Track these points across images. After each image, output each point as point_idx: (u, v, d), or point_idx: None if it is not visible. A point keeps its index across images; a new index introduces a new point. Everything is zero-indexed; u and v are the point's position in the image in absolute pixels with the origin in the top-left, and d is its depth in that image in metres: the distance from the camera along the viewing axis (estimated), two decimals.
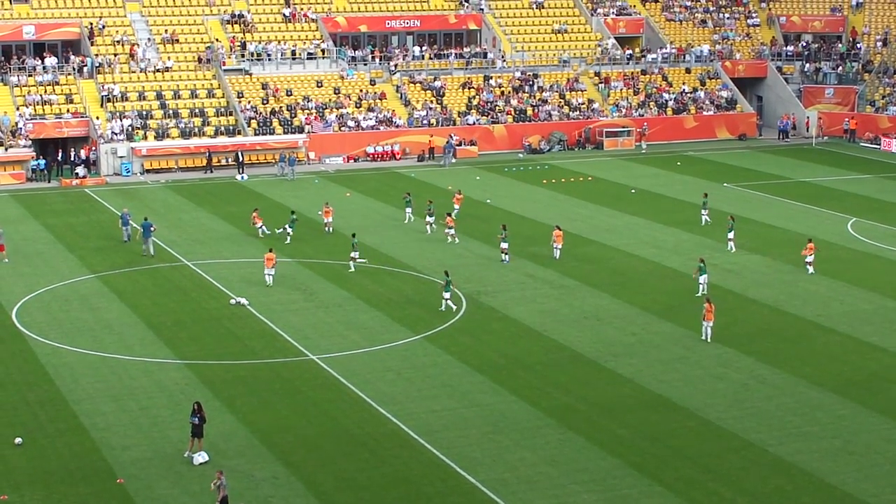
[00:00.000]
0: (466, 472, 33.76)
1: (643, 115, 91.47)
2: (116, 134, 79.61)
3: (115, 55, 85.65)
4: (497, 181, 76.98)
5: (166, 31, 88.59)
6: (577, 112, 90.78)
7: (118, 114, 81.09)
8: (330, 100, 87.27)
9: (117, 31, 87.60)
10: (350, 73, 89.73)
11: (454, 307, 48.42)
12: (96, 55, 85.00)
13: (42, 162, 77.94)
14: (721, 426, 37.04)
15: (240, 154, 79.58)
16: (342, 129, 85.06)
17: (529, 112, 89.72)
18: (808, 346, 44.86)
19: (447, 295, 48.48)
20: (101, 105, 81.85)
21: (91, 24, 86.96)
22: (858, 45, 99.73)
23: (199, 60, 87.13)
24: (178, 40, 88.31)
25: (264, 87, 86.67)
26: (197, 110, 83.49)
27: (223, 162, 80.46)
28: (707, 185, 72.95)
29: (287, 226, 59.76)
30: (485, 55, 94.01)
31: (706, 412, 38.17)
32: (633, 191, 73.58)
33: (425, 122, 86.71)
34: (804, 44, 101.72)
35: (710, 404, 38.84)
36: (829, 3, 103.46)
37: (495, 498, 32.27)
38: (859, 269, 55.66)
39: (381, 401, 39.00)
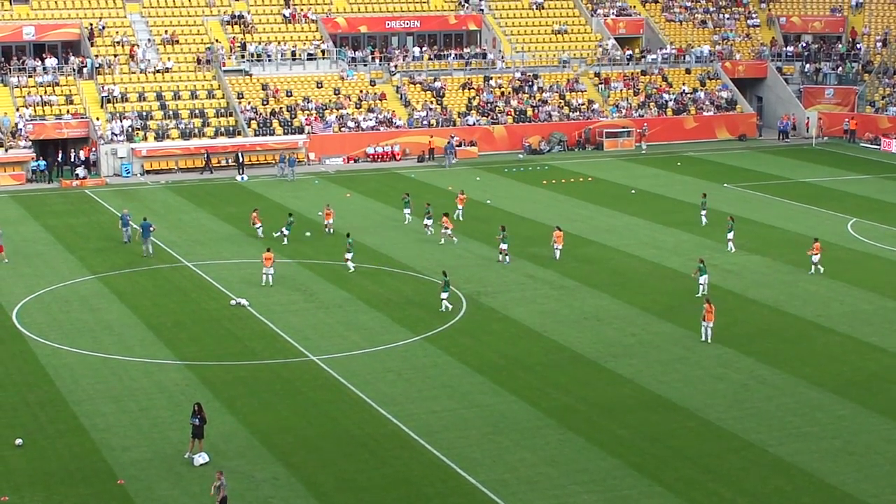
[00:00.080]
0: (467, 473, 33.77)
1: (643, 116, 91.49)
2: (116, 135, 79.63)
3: (115, 56, 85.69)
4: (497, 182, 76.99)
5: (166, 31, 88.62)
6: (577, 113, 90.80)
7: (118, 115, 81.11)
8: (330, 100, 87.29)
9: (117, 32, 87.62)
10: (350, 73, 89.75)
11: (450, 307, 48.43)
12: (96, 56, 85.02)
13: (42, 163, 77.95)
14: (721, 426, 37.05)
15: (240, 155, 79.60)
16: (342, 129, 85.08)
17: (529, 113, 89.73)
18: (808, 346, 44.87)
19: (445, 295, 48.50)
20: (101, 106, 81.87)
21: (91, 24, 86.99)
22: (858, 46, 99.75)
23: (198, 61, 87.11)
24: (178, 41, 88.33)
25: (264, 87, 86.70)
26: (197, 111, 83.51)
27: (223, 163, 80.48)
28: (707, 186, 72.98)
29: (283, 228, 59.76)
30: (484, 56, 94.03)
31: (706, 412, 38.18)
32: (633, 191, 73.59)
33: (425, 122, 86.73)
34: (804, 44, 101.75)
35: (710, 405, 38.85)
36: (829, 3, 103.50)
37: (495, 498, 32.28)
38: (859, 269, 55.67)
39: (381, 402, 39.02)
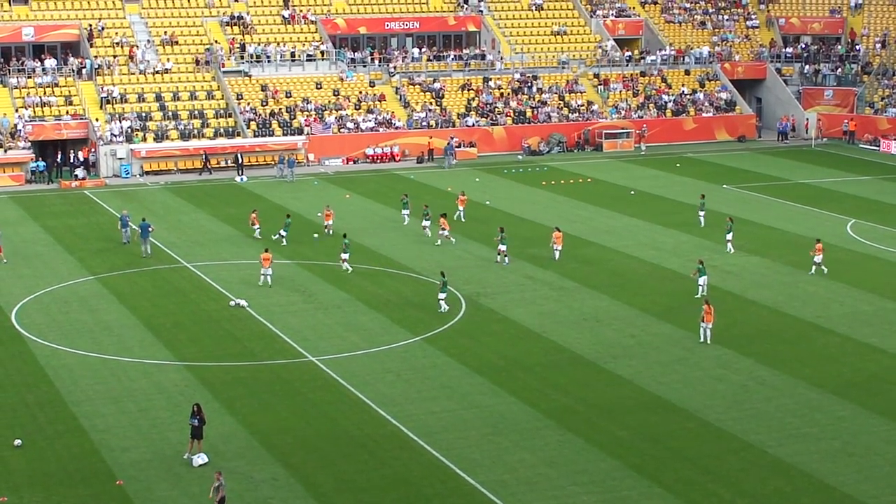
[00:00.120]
0: (466, 474, 33.76)
1: (642, 117, 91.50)
2: (116, 136, 79.62)
3: (115, 57, 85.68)
4: (496, 183, 77.00)
5: (165, 32, 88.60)
6: (577, 114, 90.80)
7: (117, 115, 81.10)
8: (329, 101, 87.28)
9: (116, 33, 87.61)
10: (349, 74, 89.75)
11: (447, 308, 48.39)
12: (95, 57, 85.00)
13: (41, 164, 77.94)
14: (720, 427, 37.04)
15: (239, 156, 79.59)
16: (341, 130, 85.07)
17: (529, 114, 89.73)
18: (808, 347, 44.86)
19: (443, 296, 48.50)
20: (101, 107, 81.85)
21: (90, 25, 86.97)
22: (857, 47, 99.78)
23: (197, 62, 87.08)
24: (177, 42, 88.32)
25: (263, 88, 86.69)
26: (196, 112, 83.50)
27: (222, 163, 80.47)
28: (706, 187, 73.02)
29: (282, 230, 59.74)
30: (484, 57, 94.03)
31: (705, 413, 38.17)
32: (632, 192, 73.59)
33: (424, 123, 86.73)
34: (803, 45, 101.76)
35: (710, 406, 38.84)
36: (828, 4, 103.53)
37: (495, 499, 32.27)
38: (859, 270, 55.68)
39: (380, 402, 39.01)
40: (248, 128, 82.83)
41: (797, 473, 33.86)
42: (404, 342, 45.13)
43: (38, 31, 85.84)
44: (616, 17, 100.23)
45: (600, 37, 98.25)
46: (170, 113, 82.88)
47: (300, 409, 38.68)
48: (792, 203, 70.66)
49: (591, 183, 76.95)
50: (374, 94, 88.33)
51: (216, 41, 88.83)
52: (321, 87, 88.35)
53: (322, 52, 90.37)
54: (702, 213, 63.99)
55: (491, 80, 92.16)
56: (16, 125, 78.81)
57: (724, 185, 75.77)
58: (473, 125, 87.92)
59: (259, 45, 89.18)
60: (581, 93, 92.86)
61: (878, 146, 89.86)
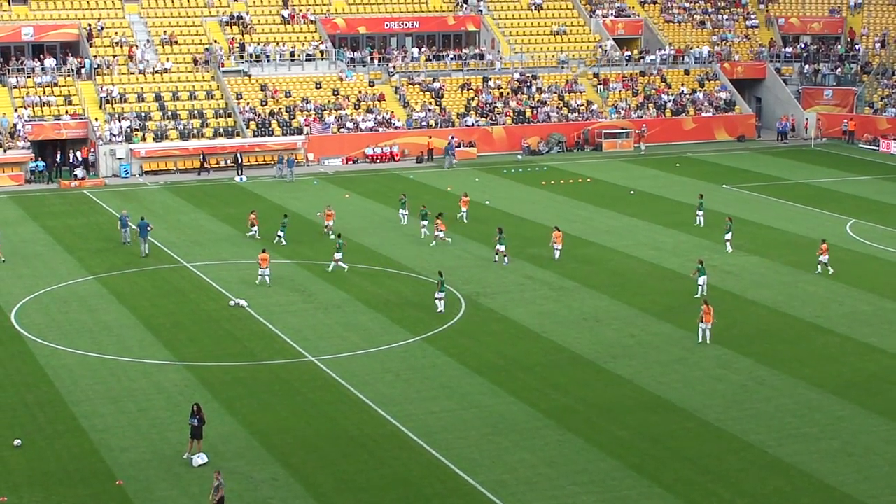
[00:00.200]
0: (465, 474, 33.76)
1: (642, 117, 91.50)
2: (115, 135, 79.61)
3: (114, 56, 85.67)
4: (496, 183, 76.99)
5: (165, 32, 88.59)
6: (576, 113, 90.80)
7: (117, 115, 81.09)
8: (329, 101, 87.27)
9: (116, 33, 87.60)
10: (349, 74, 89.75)
11: (441, 309, 48.37)
12: (95, 56, 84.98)
13: (41, 163, 77.93)
14: (720, 427, 37.04)
15: (239, 155, 79.58)
16: (341, 130, 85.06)
17: (528, 113, 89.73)
18: (807, 347, 44.86)
19: (441, 295, 48.49)
20: (100, 106, 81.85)
21: (90, 25, 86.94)
22: (857, 47, 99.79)
23: (195, 62, 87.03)
24: (176, 42, 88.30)
25: (263, 88, 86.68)
26: (196, 112, 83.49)
27: (222, 163, 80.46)
28: (706, 187, 73.04)
29: (279, 231, 59.73)
30: (483, 56, 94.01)
31: (705, 413, 38.18)
32: (632, 192, 73.59)
33: (424, 123, 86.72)
34: (803, 45, 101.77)
35: (709, 405, 38.85)
36: (828, 4, 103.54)
37: (494, 499, 32.27)
38: (858, 270, 55.68)
39: (380, 402, 39.00)
40: (248, 127, 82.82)
41: (797, 473, 33.87)
42: (404, 342, 45.13)
43: (37, 31, 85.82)
44: (615, 16, 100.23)
45: (600, 36, 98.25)
46: (169, 113, 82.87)
47: (300, 408, 38.68)
48: (791, 203, 70.67)
49: (590, 183, 76.95)
50: (374, 94, 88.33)
51: (215, 41, 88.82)
52: (321, 87, 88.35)
53: (321, 52, 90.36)
54: (700, 213, 64.01)
55: (490, 79, 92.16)
56: (15, 125, 78.79)
57: (724, 185, 75.78)
58: (473, 125, 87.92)
59: (258, 44, 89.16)
60: (580, 92, 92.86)
61: (878, 146, 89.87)
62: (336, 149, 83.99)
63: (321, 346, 44.57)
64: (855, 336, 45.97)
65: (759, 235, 62.10)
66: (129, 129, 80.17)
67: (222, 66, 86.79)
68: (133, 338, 45.67)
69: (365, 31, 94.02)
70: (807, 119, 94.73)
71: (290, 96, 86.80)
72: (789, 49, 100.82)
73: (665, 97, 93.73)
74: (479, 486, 33.04)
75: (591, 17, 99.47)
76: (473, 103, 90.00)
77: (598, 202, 70.49)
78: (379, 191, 73.85)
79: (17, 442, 35.61)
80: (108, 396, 39.52)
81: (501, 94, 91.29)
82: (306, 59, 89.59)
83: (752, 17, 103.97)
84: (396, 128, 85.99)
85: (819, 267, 54.30)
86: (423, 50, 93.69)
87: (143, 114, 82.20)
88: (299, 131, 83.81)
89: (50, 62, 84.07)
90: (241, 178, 77.68)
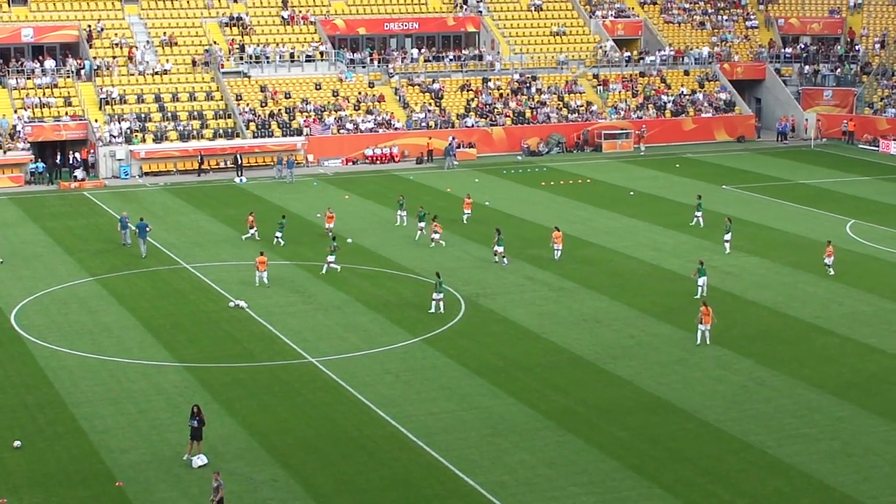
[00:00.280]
0: (465, 475, 33.76)
1: (642, 118, 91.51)
2: (115, 137, 79.61)
3: (114, 58, 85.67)
4: (496, 183, 77.00)
5: (165, 33, 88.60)
6: (576, 114, 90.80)
7: (117, 116, 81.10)
8: (328, 102, 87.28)
9: (116, 34, 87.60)
10: (348, 75, 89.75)
11: (434, 310, 48.35)
12: (95, 58, 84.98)
13: (41, 165, 77.94)
14: (720, 428, 37.04)
15: (238, 157, 79.58)
16: (341, 131, 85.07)
17: (528, 114, 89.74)
18: (807, 347, 44.86)
19: (439, 296, 48.49)
20: (100, 108, 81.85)
21: (89, 26, 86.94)
22: (857, 47, 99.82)
23: (195, 63, 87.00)
24: (176, 43, 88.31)
25: (263, 89, 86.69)
26: (195, 113, 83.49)
27: (221, 164, 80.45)
28: (706, 188, 73.05)
29: (277, 232, 59.72)
30: (482, 57, 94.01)
31: (705, 414, 38.18)
32: (631, 193, 73.60)
33: (424, 124, 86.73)
34: (802, 46, 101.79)
35: (709, 406, 38.84)
36: (828, 5, 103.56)
37: (494, 500, 32.27)
38: (858, 270, 55.67)
39: (379, 403, 39.00)
40: (248, 129, 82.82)
41: (796, 474, 33.86)
42: (404, 343, 45.13)
43: (37, 32, 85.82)
44: (615, 17, 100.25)
45: (599, 37, 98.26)
46: (169, 114, 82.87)
47: (300, 410, 38.68)
48: (791, 203, 70.67)
49: (590, 183, 76.96)
50: (374, 95, 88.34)
51: (215, 42, 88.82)
52: (320, 88, 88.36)
53: (321, 53, 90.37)
54: (698, 214, 64.01)
55: (490, 80, 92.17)
56: (15, 126, 78.80)
57: (724, 186, 75.79)
58: (473, 126, 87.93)
59: (258, 45, 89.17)
60: (580, 93, 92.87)
61: (878, 146, 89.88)
62: (336, 150, 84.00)
63: (321, 348, 44.57)
64: (855, 337, 45.97)
65: (758, 236, 62.10)
66: (128, 131, 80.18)
67: (222, 68, 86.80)
68: (133, 339, 45.67)
69: (364, 32, 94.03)
70: (806, 120, 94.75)
71: (289, 97, 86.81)
72: (789, 50, 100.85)
73: (665, 98, 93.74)
74: (478, 487, 33.04)
75: (590, 17, 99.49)
76: (473, 104, 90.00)
77: (597, 203, 70.49)
78: (379, 192, 73.84)
79: (16, 443, 35.61)
80: (107, 398, 39.51)
81: (501, 94, 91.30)
82: (306, 61, 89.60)
83: (752, 17, 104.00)
84: (396, 129, 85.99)
85: (831, 269, 54.13)
86: (422, 51, 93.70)
87: (142, 115, 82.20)
88: (299, 132, 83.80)
89: (50, 63, 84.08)
90: (241, 180, 77.68)
